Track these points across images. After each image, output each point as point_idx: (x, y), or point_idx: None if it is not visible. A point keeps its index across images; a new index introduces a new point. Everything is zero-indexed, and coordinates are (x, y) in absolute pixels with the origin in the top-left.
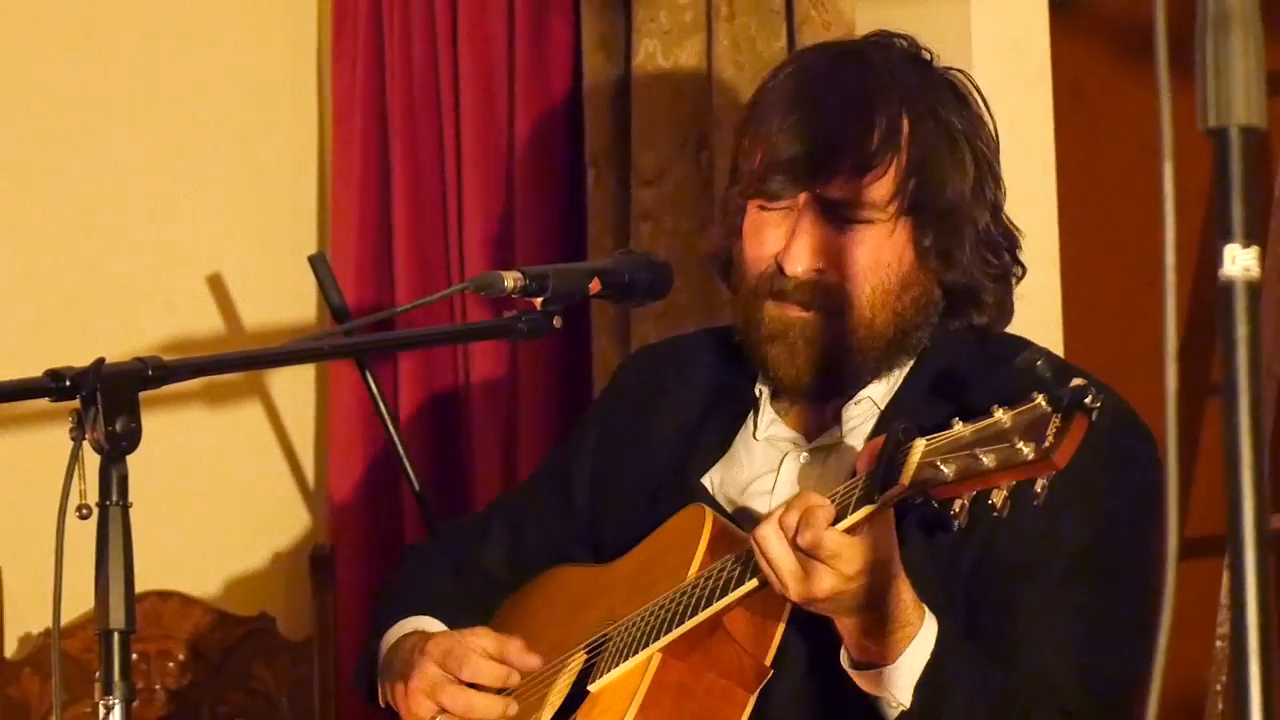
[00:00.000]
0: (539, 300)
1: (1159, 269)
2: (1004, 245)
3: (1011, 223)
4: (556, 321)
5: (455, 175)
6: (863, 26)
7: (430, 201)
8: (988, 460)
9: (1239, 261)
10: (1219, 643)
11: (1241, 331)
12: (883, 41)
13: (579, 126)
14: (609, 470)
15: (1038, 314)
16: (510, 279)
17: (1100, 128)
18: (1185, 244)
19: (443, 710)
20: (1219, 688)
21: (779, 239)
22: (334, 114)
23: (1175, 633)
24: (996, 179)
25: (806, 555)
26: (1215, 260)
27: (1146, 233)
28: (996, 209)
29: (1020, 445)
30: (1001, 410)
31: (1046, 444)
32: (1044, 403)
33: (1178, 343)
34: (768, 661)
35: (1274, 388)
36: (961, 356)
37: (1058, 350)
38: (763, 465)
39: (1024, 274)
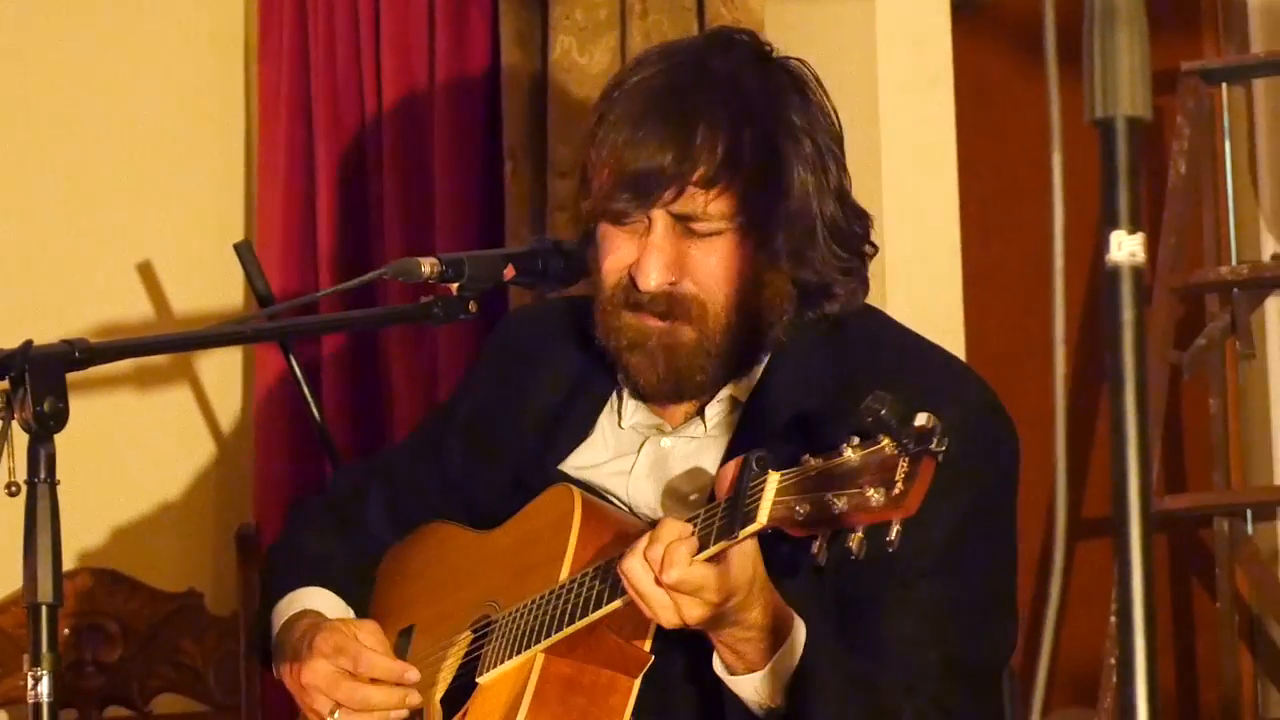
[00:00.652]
0: (455, 285)
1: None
2: (853, 232)
3: (858, 205)
4: (472, 306)
5: (377, 166)
6: (771, 24)
7: (353, 192)
8: (840, 503)
9: (1125, 247)
10: (1113, 618)
11: (1127, 315)
12: (723, 41)
13: (497, 120)
14: (477, 445)
15: (939, 304)
16: (428, 265)
17: (999, 124)
18: (1086, 235)
19: (339, 705)
20: (1113, 661)
21: (631, 252)
22: (260, 108)
23: (1075, 609)
24: (840, 165)
25: (673, 590)
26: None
27: (1044, 224)
28: (842, 195)
29: (870, 492)
30: (850, 449)
31: (896, 491)
32: (889, 446)
33: (1065, 328)
34: (647, 648)
35: (1166, 373)
36: (816, 348)
37: (957, 339)
38: (624, 447)
39: (875, 252)
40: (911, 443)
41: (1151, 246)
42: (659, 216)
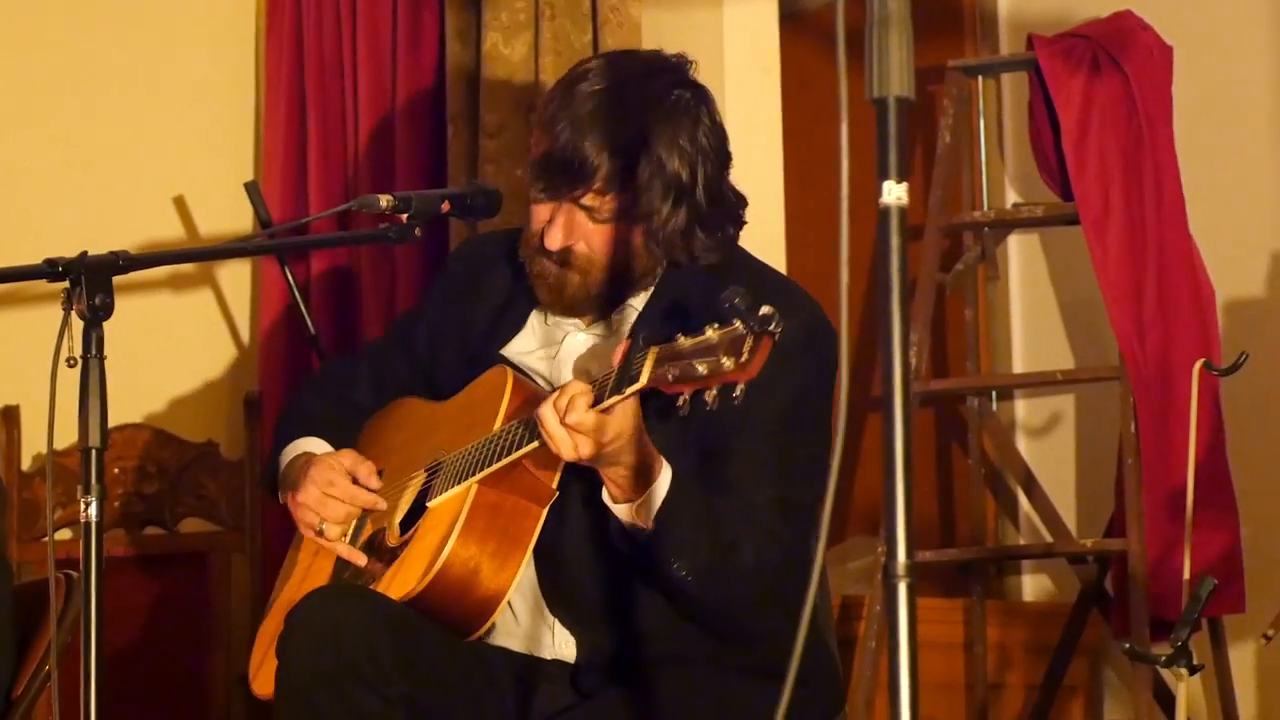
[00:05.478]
0: (405, 216)
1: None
2: (718, 217)
3: (731, 193)
4: (418, 232)
5: (354, 128)
6: (647, 26)
7: (334, 146)
8: (701, 368)
9: (893, 193)
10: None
11: (894, 243)
12: (652, 67)
13: (443, 94)
14: (439, 334)
15: (768, 241)
16: (384, 200)
17: (813, 101)
18: (872, 186)
19: (323, 520)
20: None
21: (545, 217)
22: (266, 83)
23: (866, 464)
24: (717, 168)
25: (572, 429)
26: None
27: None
28: (714, 192)
29: (724, 360)
30: (711, 329)
31: (743, 359)
32: (740, 326)
33: (850, 252)
34: (554, 485)
35: (933, 290)
36: (695, 272)
37: (780, 261)
38: (549, 339)
39: (744, 224)
40: (756, 325)
41: (924, 196)
42: (565, 202)
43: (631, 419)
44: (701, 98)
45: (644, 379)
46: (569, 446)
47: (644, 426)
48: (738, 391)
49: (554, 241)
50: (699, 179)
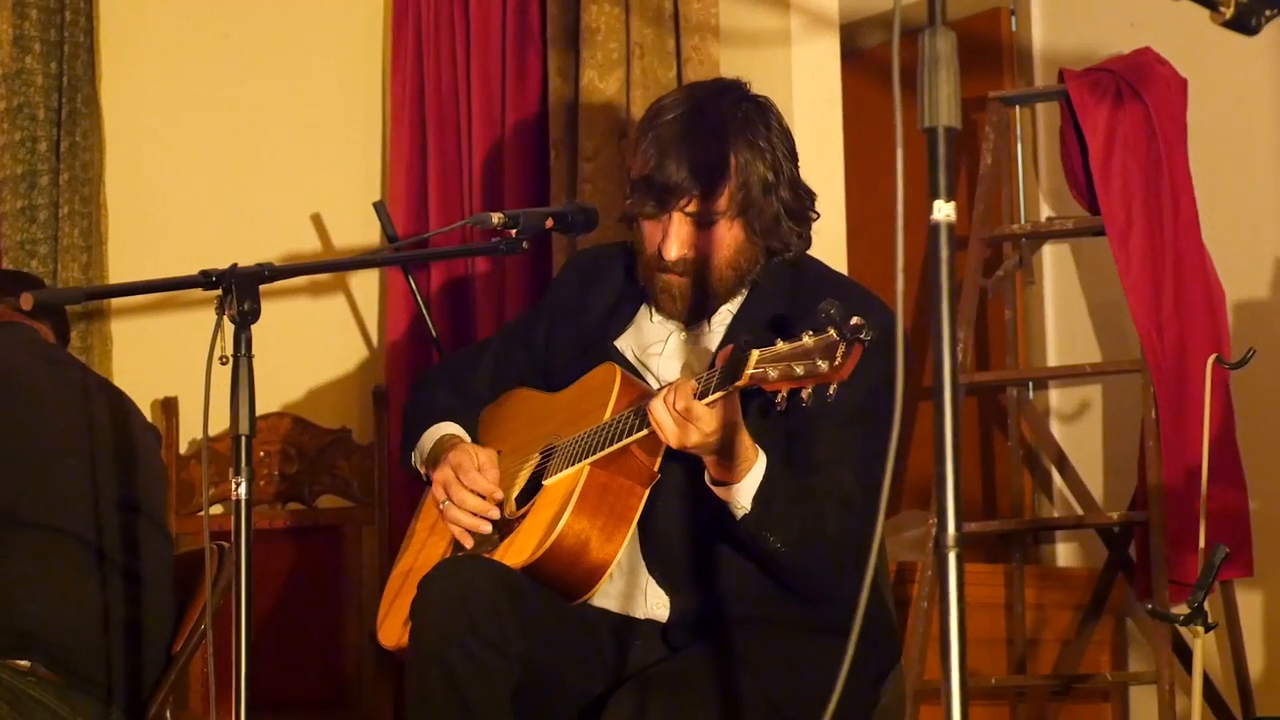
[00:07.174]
0: (514, 231)
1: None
2: (802, 208)
3: (807, 187)
4: (525, 245)
5: (467, 152)
6: (724, 64)
7: (451, 170)
8: (799, 370)
9: (943, 211)
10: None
11: (944, 254)
12: (719, 90)
13: (545, 124)
14: (556, 331)
15: (832, 250)
16: (496, 217)
17: (870, 129)
18: (923, 204)
19: (448, 498)
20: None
21: (658, 235)
22: (391, 114)
23: (918, 446)
24: (793, 163)
25: (681, 418)
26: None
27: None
28: (794, 184)
29: (819, 362)
30: (807, 336)
31: (836, 363)
32: (834, 334)
33: (905, 260)
34: (656, 469)
35: (977, 293)
36: (781, 279)
37: (842, 268)
38: (657, 336)
39: (818, 217)
40: (849, 333)
41: (968, 211)
42: (675, 214)
43: (733, 413)
44: (765, 106)
45: (745, 377)
46: (675, 434)
47: (742, 419)
48: (831, 390)
49: (671, 252)
50: (781, 172)
